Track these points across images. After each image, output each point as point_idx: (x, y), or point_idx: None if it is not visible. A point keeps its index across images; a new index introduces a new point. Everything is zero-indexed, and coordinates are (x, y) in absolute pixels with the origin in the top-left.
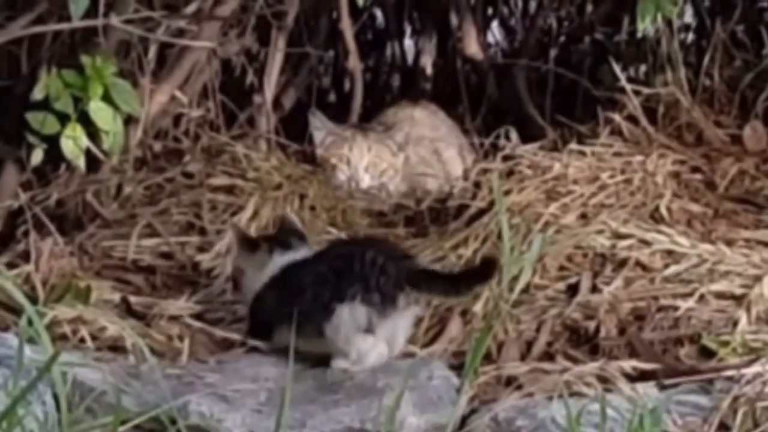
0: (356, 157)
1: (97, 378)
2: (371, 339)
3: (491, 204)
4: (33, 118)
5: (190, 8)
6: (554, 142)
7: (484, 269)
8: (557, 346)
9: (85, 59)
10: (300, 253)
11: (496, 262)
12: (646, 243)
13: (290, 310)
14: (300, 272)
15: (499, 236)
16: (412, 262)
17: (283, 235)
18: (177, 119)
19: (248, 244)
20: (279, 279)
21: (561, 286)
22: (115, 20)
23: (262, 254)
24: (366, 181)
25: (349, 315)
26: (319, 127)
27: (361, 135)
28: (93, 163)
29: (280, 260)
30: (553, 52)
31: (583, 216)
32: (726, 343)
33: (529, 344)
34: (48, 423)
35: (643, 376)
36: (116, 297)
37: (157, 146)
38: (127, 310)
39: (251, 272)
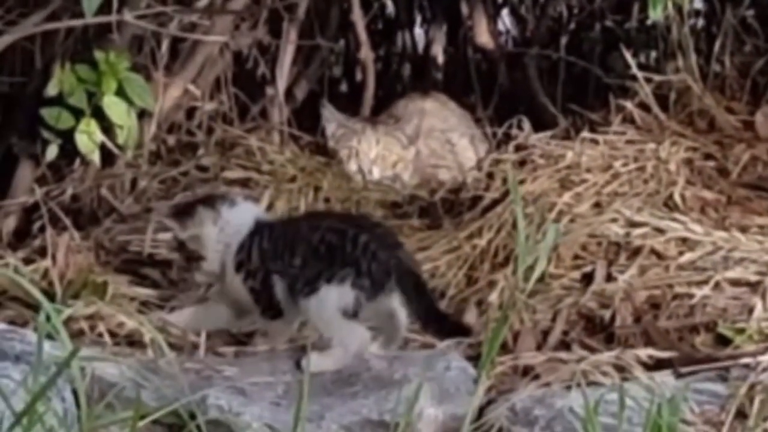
0: (365, 150)
1: (116, 373)
2: (355, 326)
3: (505, 194)
4: (47, 113)
5: (202, 2)
6: (566, 130)
7: (463, 330)
8: (573, 335)
9: (98, 54)
10: (252, 209)
11: (471, 331)
12: (660, 231)
13: (283, 266)
14: (290, 234)
15: (514, 226)
16: (403, 252)
17: (213, 195)
18: (190, 113)
19: (183, 212)
20: (261, 233)
21: (576, 275)
22: (128, 16)
23: (204, 212)
24: (375, 173)
25: (336, 297)
26: (330, 119)
27: (371, 128)
28: (107, 157)
29: (236, 215)
30: (563, 40)
31: (597, 205)
32: (742, 331)
33: (545, 334)
34: (68, 418)
35: (659, 364)
36: (133, 291)
37: (171, 140)
38: None
39: (208, 230)
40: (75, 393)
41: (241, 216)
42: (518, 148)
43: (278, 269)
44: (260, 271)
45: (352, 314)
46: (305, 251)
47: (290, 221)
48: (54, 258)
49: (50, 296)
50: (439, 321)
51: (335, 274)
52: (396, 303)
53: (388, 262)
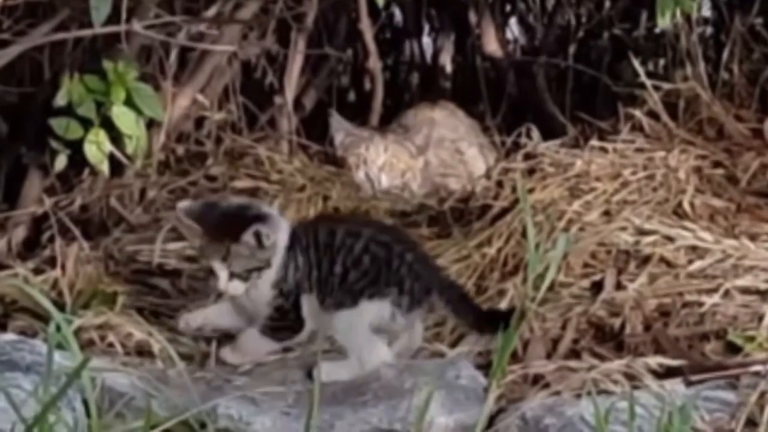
0: (372, 157)
1: (126, 383)
2: (378, 341)
3: (514, 203)
4: (56, 123)
5: (211, 12)
6: (575, 138)
7: (507, 315)
8: (583, 344)
9: (107, 64)
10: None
11: (513, 312)
12: (669, 239)
13: (318, 276)
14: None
15: (523, 234)
16: (443, 272)
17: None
18: (199, 122)
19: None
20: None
21: (585, 283)
22: (136, 26)
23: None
24: (383, 181)
25: (373, 313)
26: (338, 128)
27: (379, 135)
28: (116, 167)
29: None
30: (572, 49)
31: (607, 213)
32: (752, 339)
33: (555, 342)
34: (78, 429)
35: (669, 372)
36: (143, 301)
37: (180, 150)
38: None
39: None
40: (85, 403)
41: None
42: (527, 157)
43: (310, 284)
44: (293, 293)
45: (382, 329)
46: (346, 261)
47: (320, 225)
48: (63, 268)
49: (60, 307)
50: (491, 320)
51: (378, 292)
52: (419, 316)
53: (430, 281)
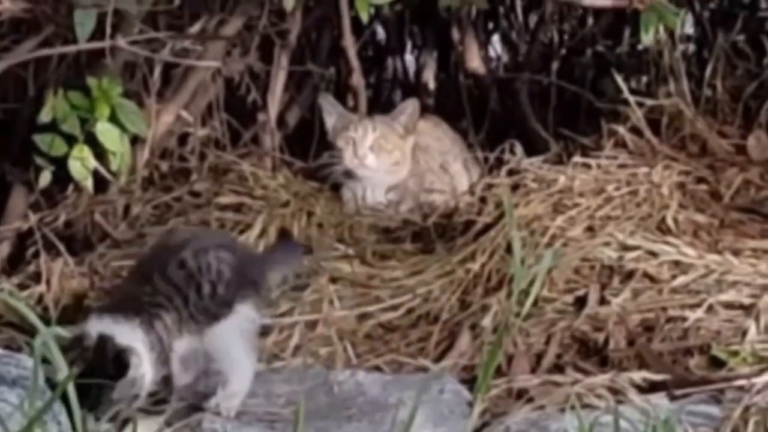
0: (360, 136)
1: None
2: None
3: (498, 218)
4: (40, 140)
5: (195, 28)
6: (558, 155)
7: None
8: (567, 359)
9: (91, 81)
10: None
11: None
12: (653, 254)
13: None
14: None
15: (507, 250)
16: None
17: None
18: (183, 138)
19: None
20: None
21: (569, 298)
22: (120, 41)
23: None
24: (371, 161)
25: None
26: (330, 111)
27: (368, 118)
28: (101, 183)
29: None
30: (555, 65)
31: (590, 228)
32: (736, 353)
33: (539, 357)
34: None
35: (653, 387)
36: None
37: (164, 166)
38: None
39: None
40: (71, 416)
41: None
42: (511, 173)
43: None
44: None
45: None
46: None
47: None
48: (48, 284)
49: (45, 322)
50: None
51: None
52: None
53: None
